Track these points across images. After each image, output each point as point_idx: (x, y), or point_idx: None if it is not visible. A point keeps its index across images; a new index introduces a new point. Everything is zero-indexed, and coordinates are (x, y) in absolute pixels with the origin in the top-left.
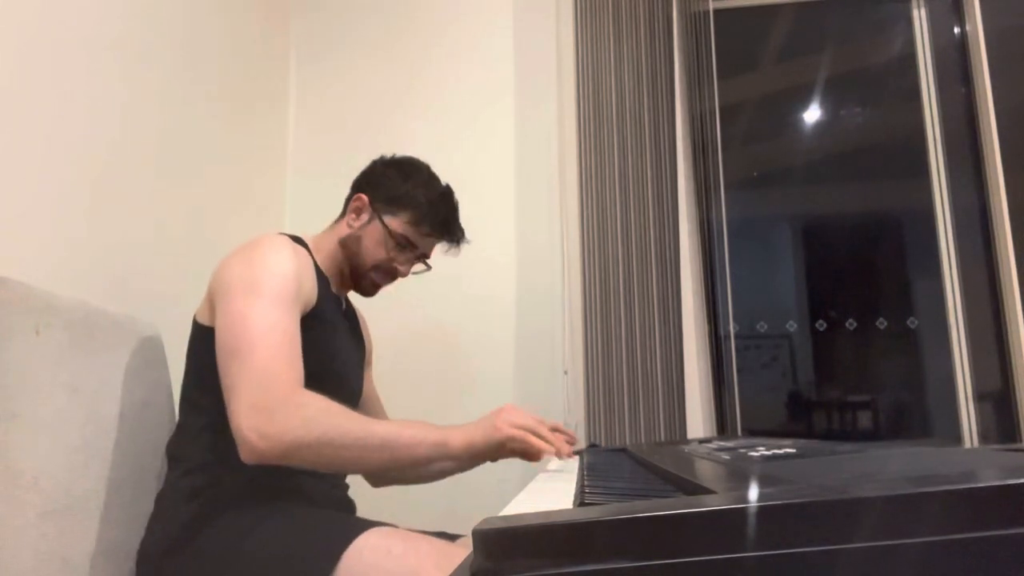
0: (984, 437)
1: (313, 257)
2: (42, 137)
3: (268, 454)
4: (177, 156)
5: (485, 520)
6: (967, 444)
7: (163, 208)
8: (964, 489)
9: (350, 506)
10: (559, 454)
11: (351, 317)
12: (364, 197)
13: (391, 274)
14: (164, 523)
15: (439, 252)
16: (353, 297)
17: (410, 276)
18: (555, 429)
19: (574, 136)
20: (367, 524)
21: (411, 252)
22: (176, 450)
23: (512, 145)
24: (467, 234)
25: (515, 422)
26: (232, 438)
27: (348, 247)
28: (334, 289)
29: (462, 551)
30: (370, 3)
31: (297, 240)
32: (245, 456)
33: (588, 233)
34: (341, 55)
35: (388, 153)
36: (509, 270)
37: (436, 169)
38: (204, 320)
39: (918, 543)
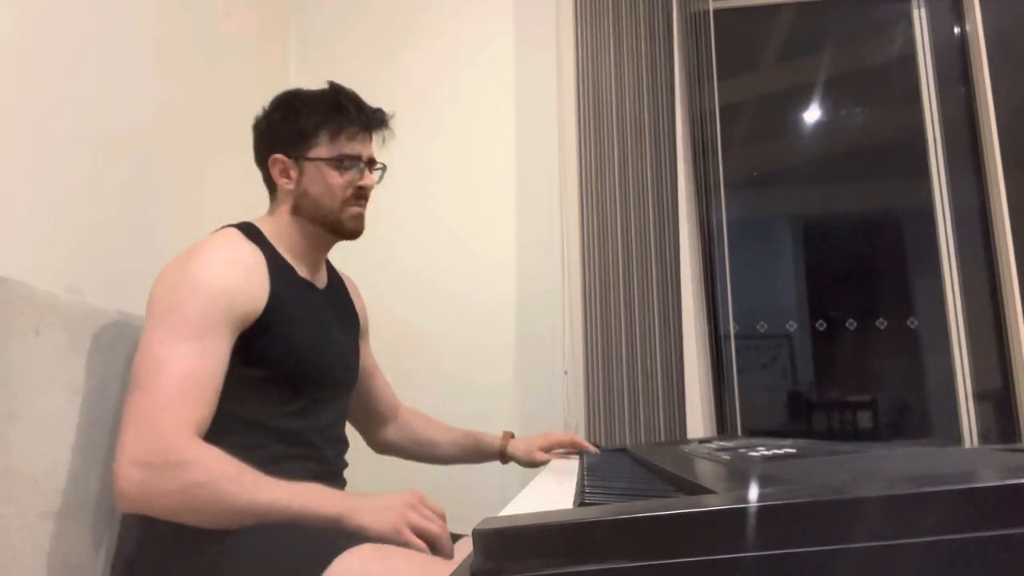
0: (984, 437)
1: (274, 246)
2: (41, 136)
3: (144, 511)
4: (176, 153)
5: (485, 520)
6: (967, 444)
7: (163, 206)
8: (964, 489)
9: None
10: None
11: (336, 293)
12: (279, 155)
13: (360, 196)
14: (137, 542)
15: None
16: (344, 268)
17: (410, 275)
18: (552, 443)
19: (574, 136)
20: (344, 544)
21: (356, 163)
22: None
23: (512, 145)
24: (386, 112)
25: (415, 525)
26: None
27: (304, 208)
28: (304, 274)
29: (445, 567)
30: (370, 3)
31: (253, 231)
32: (120, 504)
33: (588, 233)
34: (340, 54)
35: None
36: (509, 270)
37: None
38: None
39: (918, 543)
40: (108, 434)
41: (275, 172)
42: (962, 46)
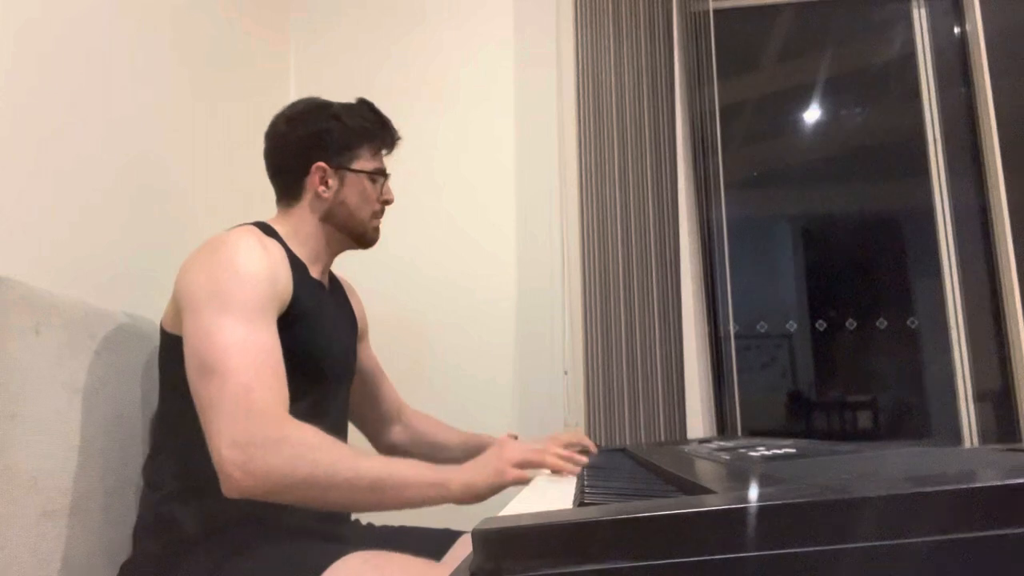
0: (984, 437)
1: (287, 245)
2: (41, 136)
3: (252, 492)
4: (177, 153)
5: (485, 520)
6: (967, 444)
7: (164, 206)
8: (964, 489)
9: (340, 515)
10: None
11: (337, 294)
12: (322, 163)
13: (383, 209)
14: (137, 559)
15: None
16: (345, 268)
17: (410, 274)
18: (561, 443)
19: (574, 136)
20: (336, 554)
21: (385, 177)
22: (150, 474)
23: (512, 145)
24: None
25: (519, 460)
26: (204, 462)
27: (337, 216)
28: (315, 274)
29: (442, 571)
30: (370, 3)
31: (268, 230)
32: (227, 490)
33: (588, 233)
34: (339, 53)
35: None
36: (509, 270)
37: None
38: (171, 328)
39: (918, 543)
40: (108, 434)
41: (314, 179)
42: (962, 46)
